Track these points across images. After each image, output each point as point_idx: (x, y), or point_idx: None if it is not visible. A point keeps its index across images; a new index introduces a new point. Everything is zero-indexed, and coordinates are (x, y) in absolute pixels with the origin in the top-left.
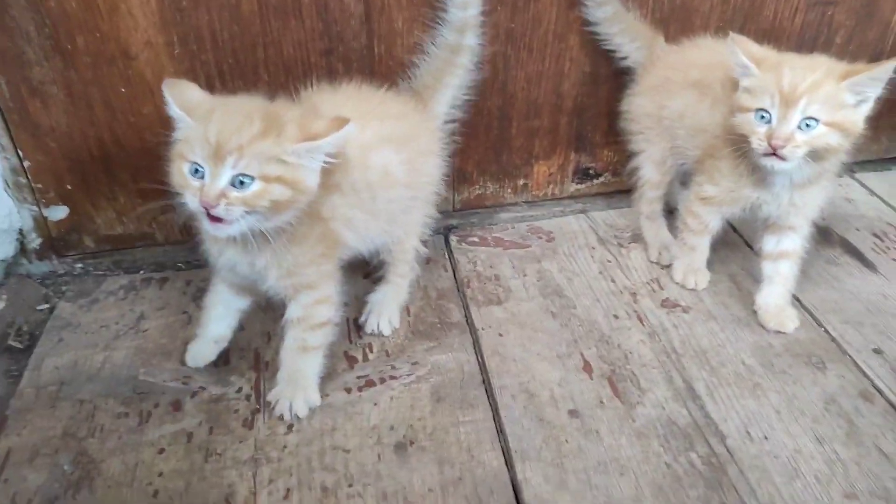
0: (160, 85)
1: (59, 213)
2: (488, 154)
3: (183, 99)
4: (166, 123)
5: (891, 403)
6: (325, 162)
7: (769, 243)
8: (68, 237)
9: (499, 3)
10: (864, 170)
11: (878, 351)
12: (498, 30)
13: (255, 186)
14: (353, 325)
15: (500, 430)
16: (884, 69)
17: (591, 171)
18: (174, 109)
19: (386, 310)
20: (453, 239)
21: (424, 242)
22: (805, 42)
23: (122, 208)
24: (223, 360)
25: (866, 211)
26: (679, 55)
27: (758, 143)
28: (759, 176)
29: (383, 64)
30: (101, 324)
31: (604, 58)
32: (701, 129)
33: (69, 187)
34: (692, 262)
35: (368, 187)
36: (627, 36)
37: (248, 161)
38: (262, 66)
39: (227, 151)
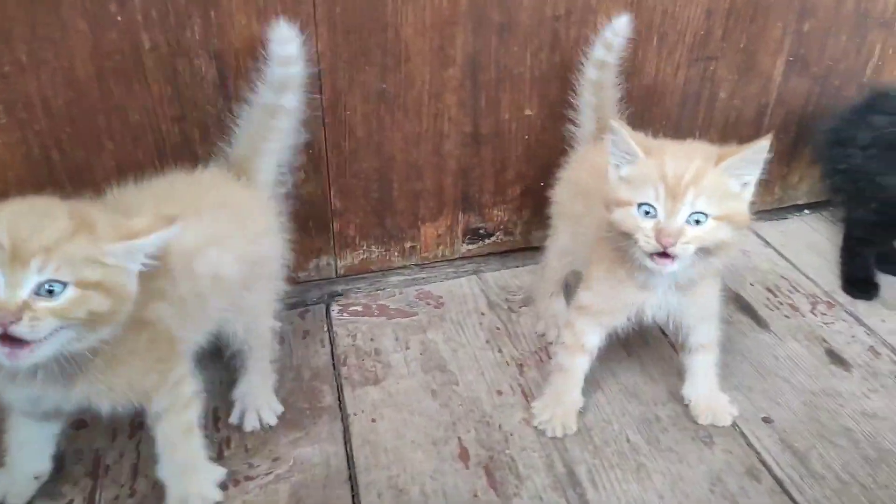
0: None
1: None
2: (370, 218)
3: None
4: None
5: (777, 480)
6: (143, 265)
7: (682, 337)
8: None
9: (366, 64)
10: (758, 219)
11: (767, 420)
12: (368, 90)
13: (69, 293)
14: (211, 417)
15: None
16: (755, 150)
17: (481, 231)
18: None
19: (260, 399)
20: (335, 309)
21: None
22: (689, 97)
23: None
24: (56, 467)
25: (760, 263)
26: (591, 150)
27: (645, 240)
28: (640, 278)
29: None
30: None
31: (484, 118)
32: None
33: None
34: (560, 397)
35: (198, 297)
36: (597, 109)
37: (58, 263)
38: (106, 134)
39: (29, 253)
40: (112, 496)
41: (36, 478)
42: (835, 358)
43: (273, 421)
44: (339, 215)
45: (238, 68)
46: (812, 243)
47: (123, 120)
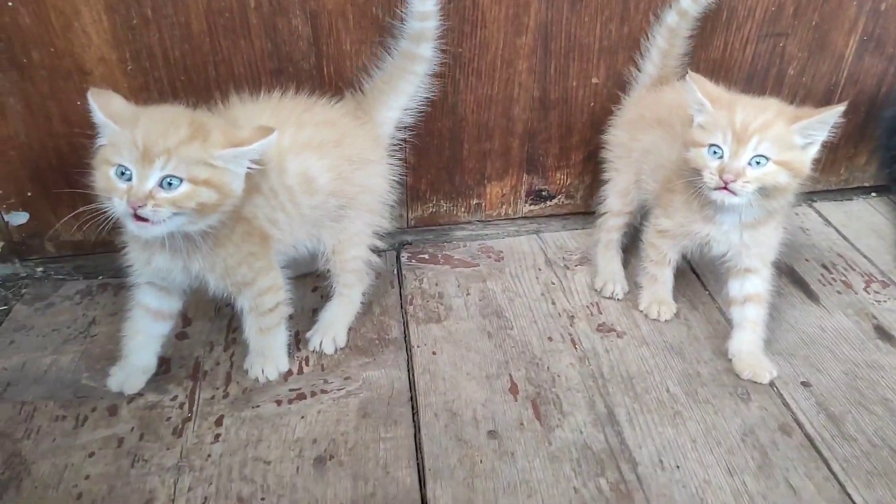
0: None
1: (20, 218)
2: (441, 174)
3: (109, 107)
4: None
5: (808, 437)
6: (249, 168)
7: (733, 288)
8: (30, 242)
9: (447, 29)
10: (823, 199)
11: (805, 384)
12: (446, 54)
13: (184, 188)
14: (295, 339)
15: (419, 448)
16: (830, 114)
17: (544, 193)
18: (99, 116)
19: (332, 328)
20: (404, 256)
21: (379, 254)
22: (757, 73)
23: (83, 217)
24: (163, 368)
25: (819, 241)
26: (654, 94)
27: (709, 176)
28: (709, 212)
29: (332, 84)
30: (54, 327)
31: (552, 84)
32: (661, 166)
33: (30, 194)
34: (656, 293)
35: (287, 191)
36: (664, 55)
37: (177, 163)
38: (214, 83)
39: (155, 154)
40: (209, 396)
41: (144, 373)
42: (882, 334)
43: (330, 351)
44: (413, 170)
45: (330, 28)
46: (874, 225)
47: (229, 71)
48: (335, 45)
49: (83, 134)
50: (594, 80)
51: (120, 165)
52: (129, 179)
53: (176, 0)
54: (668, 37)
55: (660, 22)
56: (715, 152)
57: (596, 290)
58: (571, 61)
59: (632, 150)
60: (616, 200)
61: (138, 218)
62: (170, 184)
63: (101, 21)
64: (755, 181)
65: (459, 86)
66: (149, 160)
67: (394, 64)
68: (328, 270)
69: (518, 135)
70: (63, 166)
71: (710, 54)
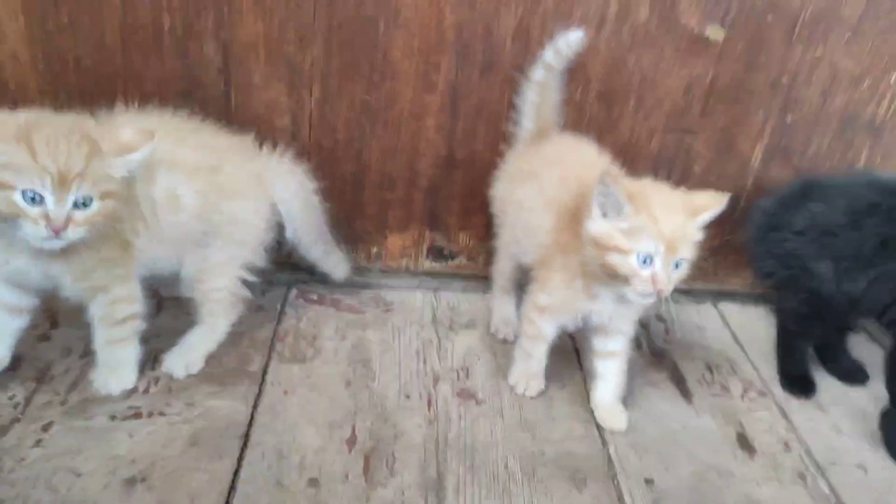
0: (23, 95)
1: None
2: (341, 217)
3: None
4: None
5: None
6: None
7: (598, 344)
8: None
9: (355, 75)
10: (729, 301)
11: (648, 480)
12: (354, 99)
13: (96, 206)
14: (153, 357)
15: (233, 486)
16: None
17: (445, 252)
18: None
19: (188, 354)
20: (293, 293)
21: (264, 290)
22: (662, 163)
23: None
24: (15, 365)
25: (712, 342)
26: (533, 147)
27: (643, 286)
28: (595, 289)
29: (239, 114)
30: None
31: (459, 144)
32: (536, 228)
33: None
34: (528, 369)
35: (151, 204)
36: (535, 110)
37: (89, 184)
38: (122, 96)
39: (70, 179)
40: (46, 400)
41: None
42: (743, 442)
43: (180, 375)
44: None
45: (241, 59)
46: (772, 334)
47: (138, 87)
48: (244, 76)
49: None
50: (502, 147)
51: (28, 190)
52: (40, 203)
53: (92, 11)
54: (539, 91)
55: (528, 78)
56: (644, 261)
57: (491, 333)
58: (479, 125)
59: (513, 203)
60: (504, 253)
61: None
62: (84, 204)
63: (18, 19)
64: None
65: (365, 132)
66: (65, 186)
67: None
68: (192, 299)
69: (422, 188)
70: None
71: (616, 138)
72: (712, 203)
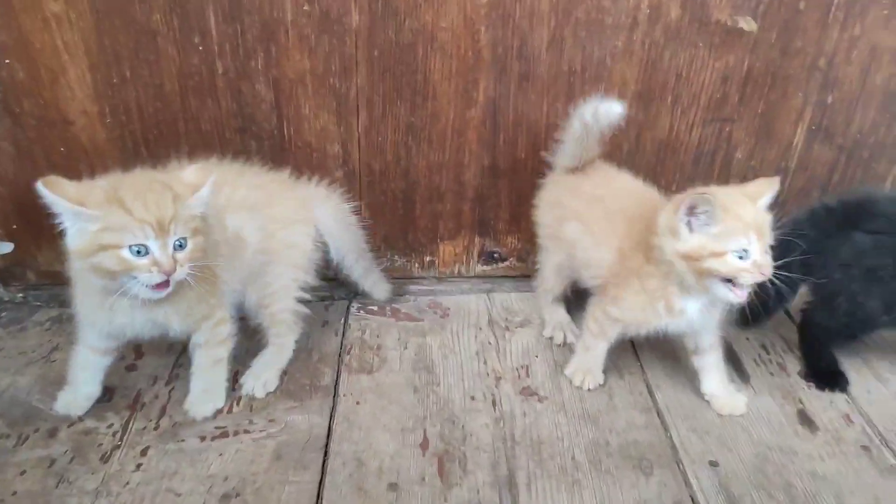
0: (94, 148)
1: (5, 248)
2: (394, 231)
3: (68, 193)
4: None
5: None
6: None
7: (690, 343)
8: (13, 269)
9: (398, 99)
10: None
11: (713, 463)
12: (399, 121)
13: (190, 244)
14: (232, 378)
15: (319, 495)
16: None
17: (496, 255)
18: (65, 204)
19: (264, 374)
20: (354, 306)
21: (327, 305)
22: (704, 154)
23: (62, 249)
24: (107, 397)
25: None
26: (575, 180)
27: (750, 276)
28: (679, 305)
29: (292, 144)
30: (20, 350)
31: (502, 154)
32: (591, 264)
33: (15, 227)
34: (586, 362)
35: (225, 244)
36: (577, 145)
37: (182, 225)
38: (183, 138)
39: (167, 224)
40: (141, 426)
41: (88, 398)
42: (804, 419)
43: (261, 394)
44: (367, 227)
45: (290, 93)
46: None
47: (197, 128)
48: (295, 109)
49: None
50: (543, 153)
51: (135, 245)
52: (145, 254)
53: (151, 62)
54: (578, 140)
55: (570, 125)
56: (740, 256)
57: (547, 338)
58: (520, 134)
59: (554, 239)
60: (552, 276)
61: (159, 285)
62: (180, 245)
63: (85, 78)
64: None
65: (412, 151)
66: (164, 231)
67: None
68: (259, 323)
69: (469, 199)
70: (46, 203)
71: (656, 134)
72: (766, 187)
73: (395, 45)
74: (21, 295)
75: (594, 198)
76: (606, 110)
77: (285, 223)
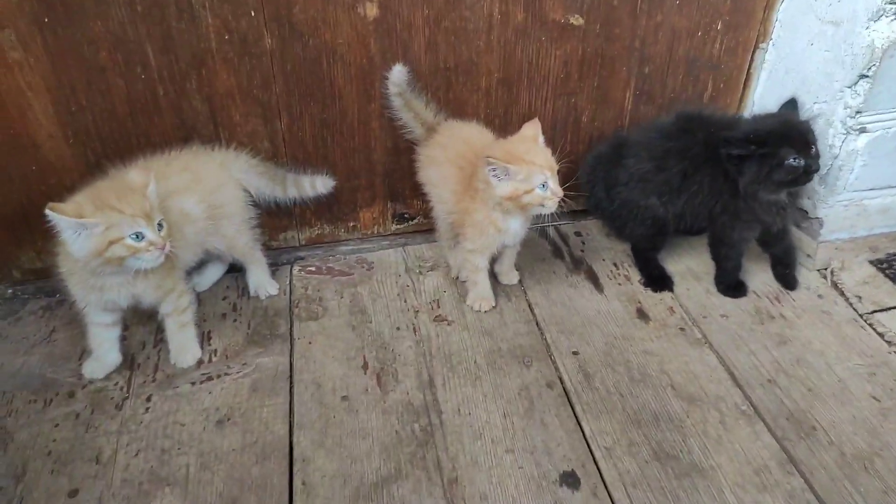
0: (62, 165)
1: None
2: (322, 205)
3: (69, 212)
4: (68, 189)
5: (565, 389)
6: None
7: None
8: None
9: (311, 102)
10: None
11: (575, 353)
12: (314, 119)
13: (165, 225)
14: (206, 337)
15: (291, 411)
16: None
17: (406, 216)
18: (71, 222)
19: (262, 279)
20: (296, 269)
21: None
22: (558, 121)
23: (40, 249)
24: None
25: (616, 244)
26: (432, 139)
27: (553, 200)
28: (505, 226)
29: (228, 145)
30: (23, 336)
31: (400, 137)
32: (441, 200)
33: None
34: (479, 292)
35: (174, 226)
36: (413, 119)
37: (157, 212)
38: (138, 151)
39: (152, 212)
40: (142, 381)
41: (111, 364)
42: (641, 314)
43: (274, 292)
44: (298, 203)
45: (222, 105)
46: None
47: (148, 142)
48: (227, 118)
49: (38, 189)
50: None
51: (133, 234)
52: (142, 238)
53: (103, 91)
54: (406, 107)
55: (392, 105)
56: (543, 186)
57: (454, 278)
58: None
59: (427, 185)
60: (442, 225)
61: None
62: (160, 227)
63: (48, 110)
64: None
65: (328, 142)
66: (150, 218)
67: None
68: (235, 259)
69: (379, 174)
70: (24, 212)
71: (519, 109)
72: (535, 128)
73: (303, 60)
74: (10, 291)
75: (439, 145)
76: (397, 74)
77: (215, 188)
